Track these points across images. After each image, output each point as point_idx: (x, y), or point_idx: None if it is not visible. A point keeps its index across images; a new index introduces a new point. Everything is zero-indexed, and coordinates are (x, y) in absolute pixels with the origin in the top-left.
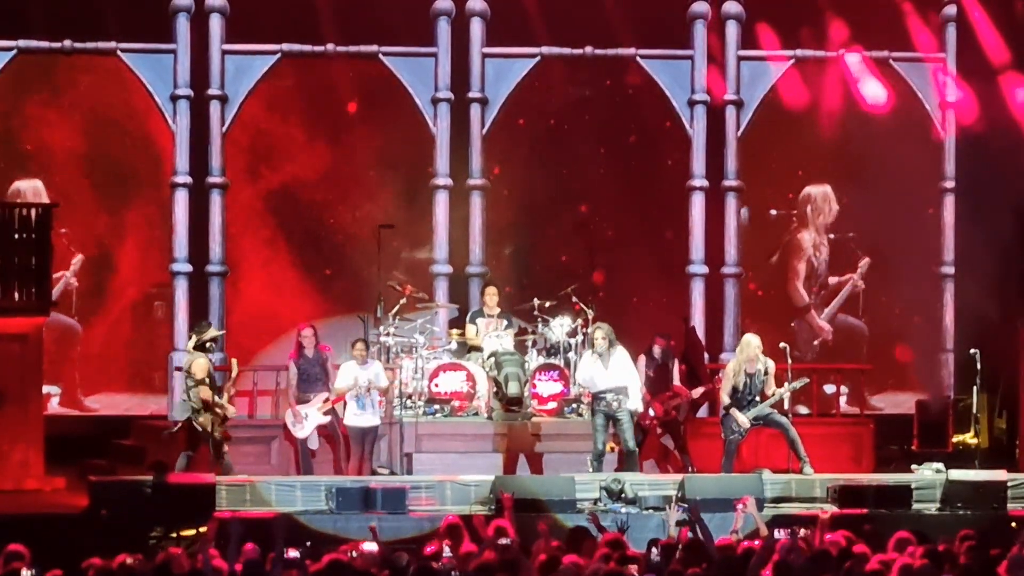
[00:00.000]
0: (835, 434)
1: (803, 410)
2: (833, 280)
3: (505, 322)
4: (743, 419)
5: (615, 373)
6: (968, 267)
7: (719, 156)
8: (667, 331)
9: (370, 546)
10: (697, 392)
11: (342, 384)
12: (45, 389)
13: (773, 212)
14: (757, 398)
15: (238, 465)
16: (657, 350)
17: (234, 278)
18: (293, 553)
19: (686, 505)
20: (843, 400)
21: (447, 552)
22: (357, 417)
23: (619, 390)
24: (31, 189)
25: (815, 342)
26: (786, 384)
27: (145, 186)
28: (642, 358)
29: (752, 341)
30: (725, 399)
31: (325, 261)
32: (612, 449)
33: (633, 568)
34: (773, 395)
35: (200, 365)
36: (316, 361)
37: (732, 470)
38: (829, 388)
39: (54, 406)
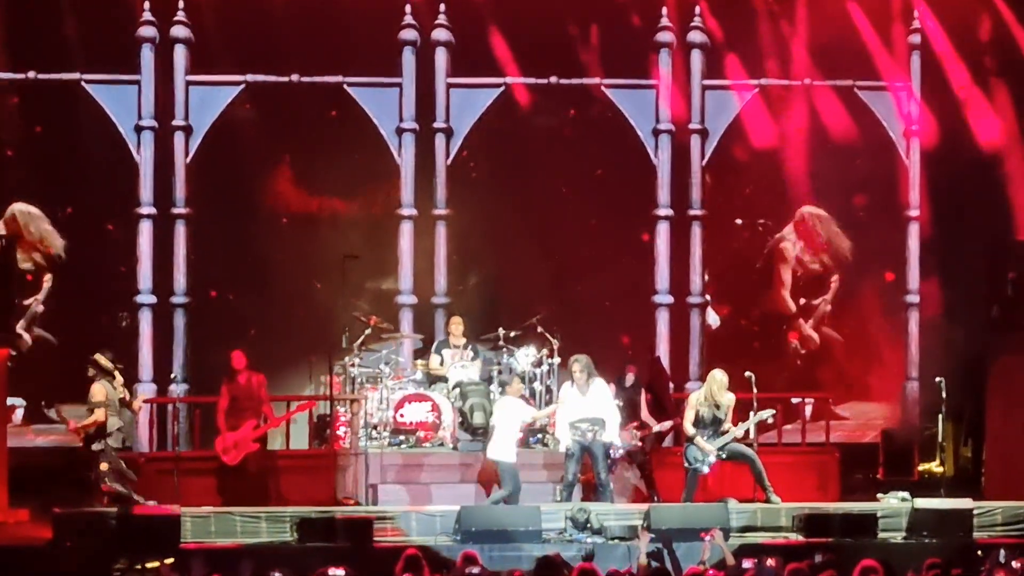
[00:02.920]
0: (801, 463)
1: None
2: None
3: (471, 353)
4: (709, 447)
5: (592, 404)
6: (933, 295)
7: (684, 185)
8: (634, 360)
9: (337, 572)
10: (665, 425)
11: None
12: (9, 401)
13: (738, 221)
14: (720, 429)
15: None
16: (630, 378)
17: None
18: None
19: (653, 535)
20: (808, 410)
21: None
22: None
23: (595, 421)
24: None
25: (803, 350)
26: (751, 416)
27: None
28: (612, 388)
29: (717, 376)
30: (689, 429)
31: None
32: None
33: None
34: (738, 426)
35: (97, 389)
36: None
37: (693, 500)
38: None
39: (18, 418)
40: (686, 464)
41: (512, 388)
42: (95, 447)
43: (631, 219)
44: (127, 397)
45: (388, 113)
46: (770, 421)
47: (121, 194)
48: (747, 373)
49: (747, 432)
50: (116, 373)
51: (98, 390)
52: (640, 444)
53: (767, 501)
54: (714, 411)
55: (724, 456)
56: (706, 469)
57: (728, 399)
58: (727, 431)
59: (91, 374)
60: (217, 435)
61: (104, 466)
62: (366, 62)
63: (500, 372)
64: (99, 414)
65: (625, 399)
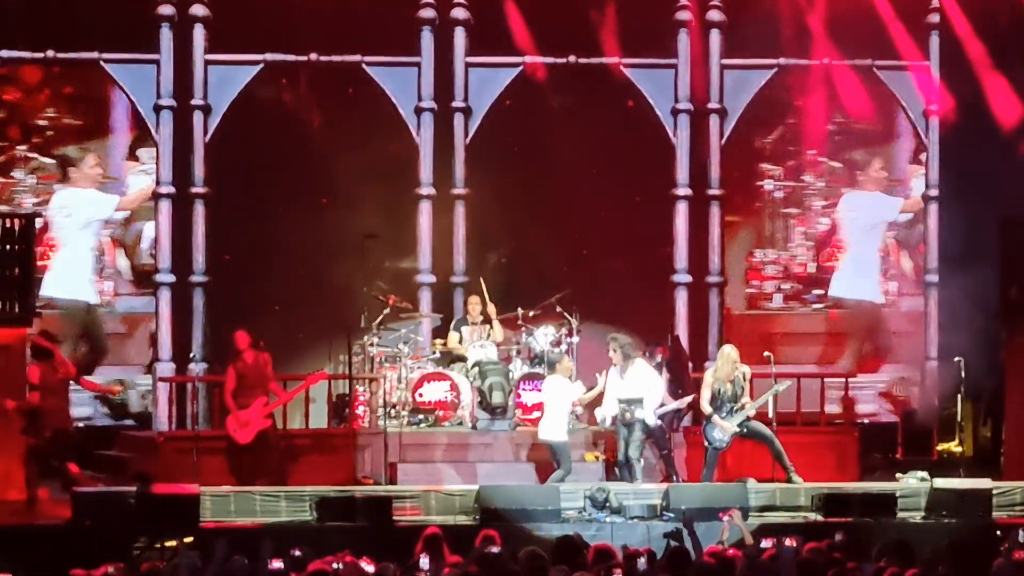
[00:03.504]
0: (820, 443)
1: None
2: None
3: (488, 328)
4: (728, 425)
5: (630, 385)
6: (952, 275)
7: (703, 165)
8: (657, 340)
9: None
10: (683, 403)
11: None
12: None
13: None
14: (737, 405)
15: None
16: (657, 358)
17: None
18: (277, 564)
19: (670, 515)
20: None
21: (424, 563)
22: None
23: (632, 401)
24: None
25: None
26: (771, 389)
27: None
28: (613, 368)
29: (729, 351)
30: (706, 407)
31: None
32: (596, 458)
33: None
34: (756, 401)
35: (32, 371)
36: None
37: (712, 479)
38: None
39: None
40: (706, 443)
41: (561, 366)
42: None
43: (649, 199)
44: (73, 374)
45: (406, 92)
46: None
47: None
48: (765, 352)
49: (765, 406)
50: (57, 353)
51: (32, 372)
52: (659, 423)
53: (788, 481)
54: (731, 386)
55: (744, 432)
56: (725, 446)
57: (743, 371)
58: (744, 406)
59: (29, 356)
60: (227, 415)
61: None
62: (384, 41)
63: (519, 352)
64: (33, 397)
65: None
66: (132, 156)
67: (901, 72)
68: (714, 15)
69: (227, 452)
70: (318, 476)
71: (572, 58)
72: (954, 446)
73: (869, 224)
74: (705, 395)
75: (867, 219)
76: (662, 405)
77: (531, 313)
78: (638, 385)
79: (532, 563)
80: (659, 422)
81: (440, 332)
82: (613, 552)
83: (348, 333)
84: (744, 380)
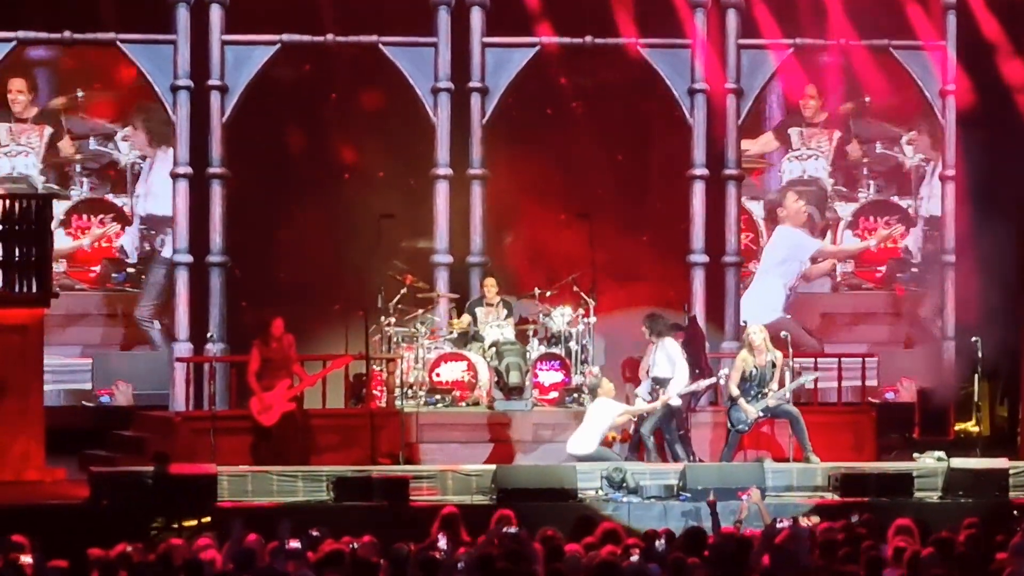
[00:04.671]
0: (836, 422)
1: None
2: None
3: (505, 311)
4: (751, 410)
5: (656, 364)
6: (969, 254)
7: (719, 145)
8: (677, 323)
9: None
10: (702, 384)
11: None
12: None
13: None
14: (766, 390)
15: None
16: (678, 340)
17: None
18: (295, 544)
19: (687, 495)
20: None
21: (442, 543)
22: None
23: (658, 380)
24: None
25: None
26: (797, 378)
27: None
28: (651, 348)
29: (755, 331)
30: (734, 390)
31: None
32: (614, 439)
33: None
34: (780, 391)
35: None
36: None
37: (732, 460)
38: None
39: None
40: (729, 425)
41: (603, 389)
42: None
43: (666, 178)
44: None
45: (423, 73)
46: (809, 386)
47: None
48: (783, 333)
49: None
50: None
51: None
52: (678, 404)
53: (805, 460)
54: (760, 371)
55: (768, 415)
56: (747, 429)
57: (776, 356)
58: (768, 393)
59: None
60: (251, 396)
61: None
62: (401, 22)
63: (536, 332)
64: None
65: None
66: None
67: (918, 52)
68: None
69: (250, 434)
70: (335, 456)
71: (589, 38)
72: (971, 426)
73: (782, 259)
74: (735, 377)
75: (783, 253)
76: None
77: (548, 293)
78: (664, 365)
79: (548, 543)
80: (676, 403)
81: (457, 313)
82: (621, 532)
83: (365, 313)
84: (775, 366)
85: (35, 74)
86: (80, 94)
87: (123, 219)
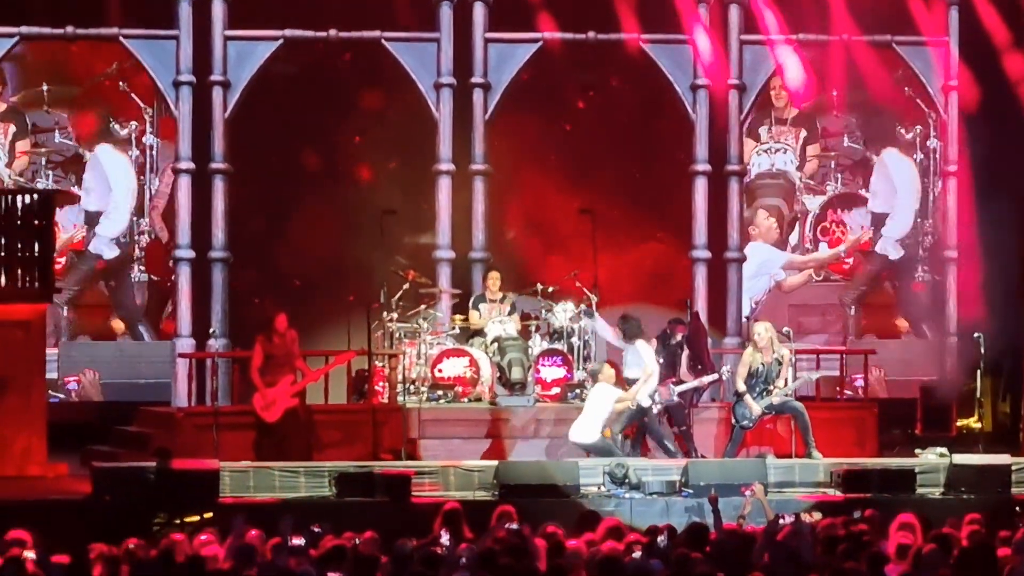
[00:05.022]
0: (839, 418)
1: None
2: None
3: (508, 307)
4: (756, 407)
5: (628, 366)
6: (971, 250)
7: (721, 140)
8: (679, 317)
9: None
10: (705, 380)
11: None
12: None
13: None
14: (771, 387)
15: None
16: (678, 336)
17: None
18: (297, 541)
19: (689, 491)
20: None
21: (444, 539)
22: None
23: (630, 381)
24: None
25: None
26: (802, 375)
27: None
28: (653, 342)
29: (762, 330)
30: (740, 385)
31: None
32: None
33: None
34: (785, 388)
35: None
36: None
37: (735, 456)
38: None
39: None
40: (733, 421)
41: (604, 375)
42: None
43: (668, 174)
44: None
45: (426, 68)
46: (813, 379)
47: None
48: (785, 328)
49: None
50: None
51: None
52: (678, 400)
53: (807, 456)
54: (767, 367)
55: (773, 413)
56: (752, 426)
57: (782, 353)
58: (773, 390)
59: None
60: (254, 392)
61: None
62: (404, 17)
63: (538, 328)
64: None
65: (667, 355)
66: None
67: (920, 48)
68: None
69: (252, 430)
70: (337, 452)
71: (591, 34)
72: (973, 422)
73: (752, 274)
74: (741, 372)
75: (752, 270)
76: (681, 382)
77: (550, 289)
78: (635, 367)
79: (549, 539)
80: (677, 399)
81: (460, 308)
82: (623, 528)
83: (367, 309)
84: (780, 364)
85: (2, 68)
86: (44, 88)
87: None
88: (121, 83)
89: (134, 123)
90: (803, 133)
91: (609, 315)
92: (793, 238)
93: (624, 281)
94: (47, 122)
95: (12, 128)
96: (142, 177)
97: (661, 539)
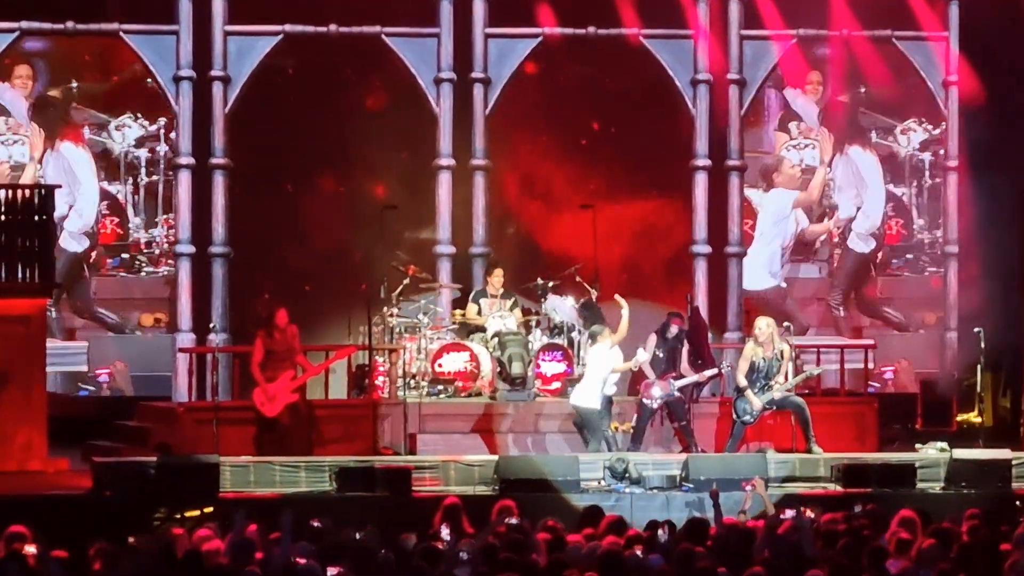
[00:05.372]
0: (839, 413)
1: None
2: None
3: (509, 302)
4: (757, 402)
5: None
6: (972, 245)
7: (722, 135)
8: (677, 311)
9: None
10: (705, 375)
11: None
12: None
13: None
14: (772, 382)
15: None
16: (674, 330)
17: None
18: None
19: (690, 486)
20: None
21: (445, 533)
22: None
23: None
24: None
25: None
26: (803, 371)
27: None
28: (653, 337)
29: (763, 325)
30: (741, 380)
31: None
32: (616, 429)
33: (638, 548)
34: (785, 383)
35: None
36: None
37: (736, 451)
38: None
39: None
40: (734, 416)
41: (603, 336)
42: None
43: (669, 169)
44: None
45: (426, 63)
46: (815, 374)
47: None
48: (785, 323)
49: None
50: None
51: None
52: (678, 394)
53: (808, 451)
54: (767, 362)
55: (773, 408)
56: (753, 421)
57: (783, 349)
58: (775, 385)
59: None
60: (254, 387)
61: None
62: (404, 12)
63: (539, 323)
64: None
65: (667, 350)
66: None
67: (920, 43)
68: None
69: (253, 425)
70: (338, 447)
71: (591, 29)
72: (973, 417)
73: (775, 219)
74: (742, 367)
75: (775, 215)
76: (681, 377)
77: (550, 283)
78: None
79: (550, 534)
80: (677, 394)
81: (460, 303)
82: (626, 523)
83: (368, 304)
84: (782, 358)
85: (34, 64)
86: (75, 84)
87: (116, 207)
88: (149, 79)
89: (162, 119)
90: (832, 136)
91: (608, 311)
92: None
93: (624, 275)
94: (77, 117)
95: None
96: (169, 172)
97: (661, 533)
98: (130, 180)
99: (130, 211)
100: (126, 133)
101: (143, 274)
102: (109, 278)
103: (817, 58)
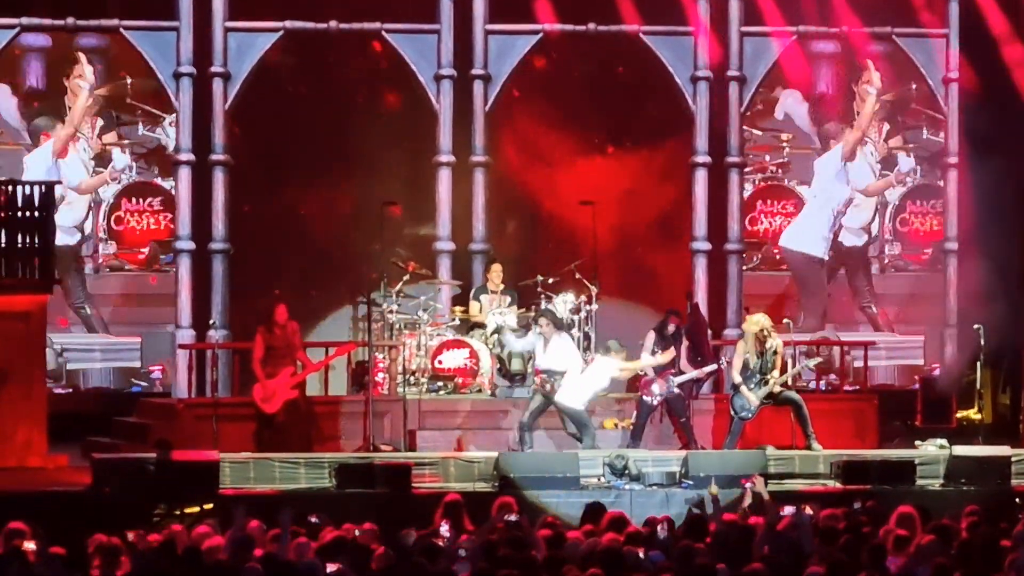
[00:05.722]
0: (839, 410)
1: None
2: None
3: (508, 298)
4: (753, 397)
5: (552, 357)
6: (971, 242)
7: (722, 132)
8: (676, 308)
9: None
10: (704, 371)
11: None
12: None
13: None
14: (768, 377)
15: None
16: (671, 328)
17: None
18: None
19: (689, 483)
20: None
21: (444, 530)
22: None
23: (552, 373)
24: None
25: None
26: (799, 363)
27: None
28: (651, 335)
29: (758, 320)
30: (736, 377)
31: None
32: (615, 425)
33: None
34: (782, 376)
35: None
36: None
37: (735, 448)
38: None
39: None
40: (732, 412)
41: (614, 352)
42: None
43: (669, 166)
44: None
45: (426, 59)
46: (812, 367)
47: None
48: (785, 320)
49: (795, 379)
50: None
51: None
52: (678, 391)
53: (807, 447)
54: (761, 358)
55: (771, 403)
56: (751, 417)
57: (776, 344)
58: (770, 380)
59: None
60: (254, 383)
61: None
62: (404, 8)
63: (536, 321)
64: None
65: (665, 347)
66: None
67: (921, 40)
68: None
69: (252, 421)
70: (337, 443)
71: (591, 25)
72: (973, 413)
73: (830, 179)
74: (737, 364)
75: (829, 176)
76: (681, 373)
77: (550, 280)
78: (560, 358)
79: (549, 530)
80: (677, 391)
81: (460, 299)
82: (627, 520)
83: (368, 300)
84: (775, 353)
85: (92, 60)
86: (128, 81)
87: (170, 202)
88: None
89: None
90: (885, 127)
91: (607, 306)
92: (874, 227)
93: (624, 272)
94: (132, 114)
95: (100, 121)
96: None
97: (660, 529)
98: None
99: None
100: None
101: None
102: (163, 274)
103: (816, 54)
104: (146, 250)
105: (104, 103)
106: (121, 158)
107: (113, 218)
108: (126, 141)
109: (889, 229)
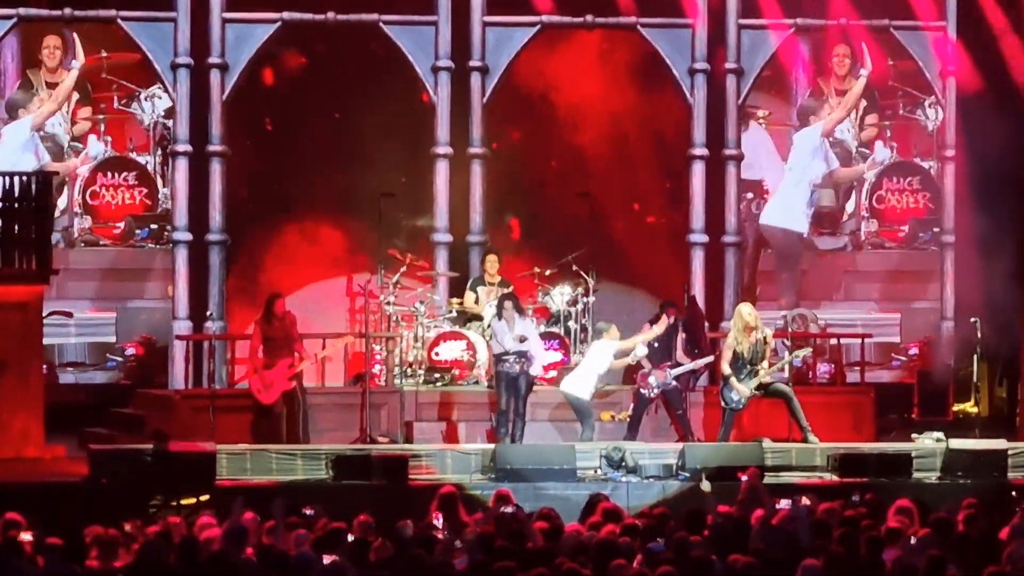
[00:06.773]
0: (835, 403)
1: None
2: None
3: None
4: (743, 389)
5: (517, 339)
6: (968, 235)
7: (719, 124)
8: (671, 301)
9: None
10: (700, 363)
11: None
12: None
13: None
14: (758, 368)
15: None
16: (670, 319)
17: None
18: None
19: (686, 475)
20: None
21: (438, 522)
22: None
23: (522, 354)
24: None
25: None
26: (787, 354)
27: None
28: (647, 327)
29: (745, 311)
30: (726, 368)
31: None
32: (612, 418)
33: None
34: (772, 367)
35: None
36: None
37: (728, 439)
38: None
39: None
40: (723, 404)
41: (609, 333)
42: None
43: (666, 158)
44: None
45: (424, 51)
46: (799, 361)
47: None
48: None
49: (782, 369)
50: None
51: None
52: (675, 383)
53: (804, 440)
54: (750, 349)
55: (762, 393)
56: (741, 408)
57: (764, 335)
58: (760, 371)
59: None
60: (251, 375)
61: None
62: (401, 0)
63: (533, 312)
64: None
65: (662, 339)
66: None
67: (918, 33)
68: None
69: (249, 412)
70: (334, 435)
71: (589, 17)
72: (970, 407)
73: (808, 154)
74: (726, 356)
75: (806, 150)
76: (678, 365)
77: (547, 272)
78: (526, 341)
79: (546, 522)
80: (674, 383)
81: (457, 291)
82: (622, 512)
83: (365, 292)
84: (764, 344)
85: (65, 33)
86: (104, 54)
87: (146, 177)
88: None
89: None
90: (863, 103)
91: (604, 298)
92: (850, 205)
93: (622, 264)
94: (108, 89)
95: (76, 95)
96: None
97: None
98: (159, 151)
99: (159, 182)
100: (156, 104)
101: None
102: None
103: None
104: (121, 225)
105: (80, 77)
106: (96, 144)
107: (88, 193)
108: (100, 116)
109: (865, 207)
